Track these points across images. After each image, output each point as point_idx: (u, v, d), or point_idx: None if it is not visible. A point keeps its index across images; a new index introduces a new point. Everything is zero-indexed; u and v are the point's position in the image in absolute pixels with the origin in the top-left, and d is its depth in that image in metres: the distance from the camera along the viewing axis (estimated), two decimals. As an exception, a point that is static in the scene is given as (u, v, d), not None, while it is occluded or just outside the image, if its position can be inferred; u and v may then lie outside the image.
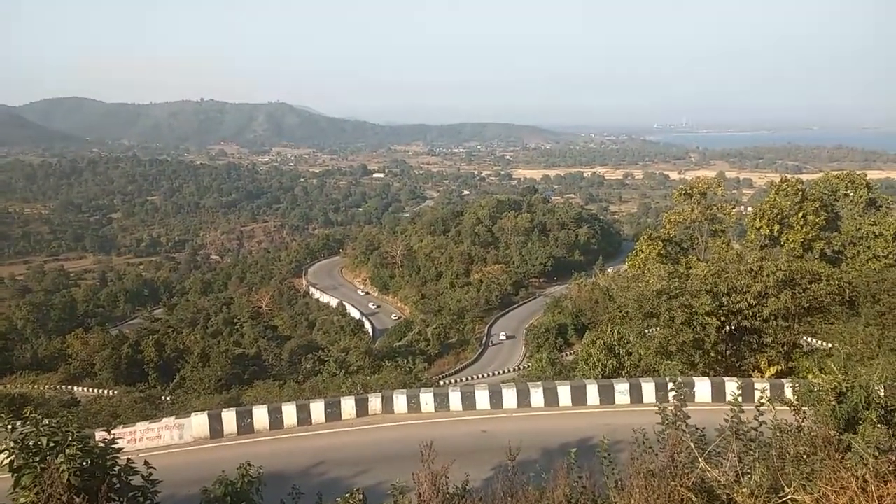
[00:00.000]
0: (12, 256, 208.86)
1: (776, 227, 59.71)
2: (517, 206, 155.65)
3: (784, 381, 23.11)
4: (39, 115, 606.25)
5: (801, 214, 58.43)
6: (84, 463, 9.38)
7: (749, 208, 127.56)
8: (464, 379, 72.08)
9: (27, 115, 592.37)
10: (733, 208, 68.06)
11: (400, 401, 24.27)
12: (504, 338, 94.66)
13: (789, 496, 7.72)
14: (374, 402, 24.35)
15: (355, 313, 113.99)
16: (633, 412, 22.27)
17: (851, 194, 62.63)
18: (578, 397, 24.21)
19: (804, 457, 8.88)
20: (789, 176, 71.99)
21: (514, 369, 75.25)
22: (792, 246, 57.34)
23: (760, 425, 9.27)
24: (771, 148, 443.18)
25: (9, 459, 9.68)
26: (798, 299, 28.57)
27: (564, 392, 24.31)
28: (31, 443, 9.68)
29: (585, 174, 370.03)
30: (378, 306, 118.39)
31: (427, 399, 24.33)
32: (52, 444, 9.53)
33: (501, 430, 21.09)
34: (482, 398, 24.33)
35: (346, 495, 9.96)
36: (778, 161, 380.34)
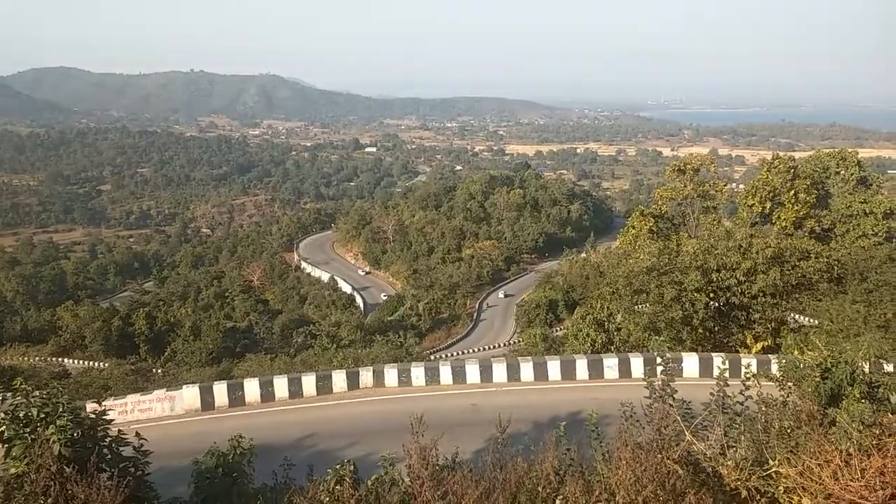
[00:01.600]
0: (1, 228, 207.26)
1: (768, 205, 59.94)
2: (510, 182, 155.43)
3: (770, 356, 23.39)
4: (27, 85, 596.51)
5: (792, 192, 58.63)
6: (75, 434, 9.43)
7: (741, 185, 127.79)
8: (454, 354, 72.49)
9: (14, 84, 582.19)
10: (725, 185, 68.17)
11: (391, 374, 24.44)
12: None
13: (773, 469, 7.83)
14: (366, 376, 24.51)
15: (346, 288, 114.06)
16: (622, 386, 22.53)
17: (843, 172, 62.83)
18: (568, 372, 24.45)
19: (789, 431, 9.01)
20: (781, 153, 72.08)
21: (505, 344, 75.73)
22: (783, 224, 57.62)
23: (746, 400, 9.39)
24: (764, 125, 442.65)
25: (-1, 430, 9.72)
26: (787, 276, 28.80)
27: (554, 366, 24.54)
28: (21, 414, 9.71)
29: (578, 150, 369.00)
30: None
31: (418, 373, 24.51)
32: (42, 416, 9.57)
33: (491, 403, 21.30)
34: (472, 372, 24.52)
35: (337, 466, 10.04)
36: (771, 138, 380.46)
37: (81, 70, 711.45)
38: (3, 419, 9.73)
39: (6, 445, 9.57)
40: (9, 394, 10.10)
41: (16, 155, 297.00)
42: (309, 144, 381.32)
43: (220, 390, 23.61)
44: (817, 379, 12.11)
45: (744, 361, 22.90)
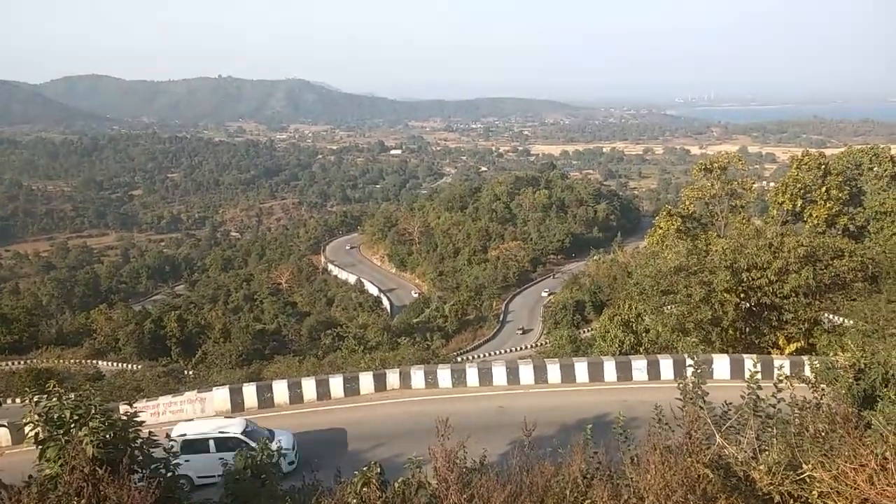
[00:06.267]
0: (36, 233, 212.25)
1: (799, 203, 58.86)
2: (535, 183, 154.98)
3: (804, 358, 22.94)
4: (59, 93, 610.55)
5: (824, 189, 57.51)
6: (107, 436, 9.57)
7: (771, 183, 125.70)
8: (481, 355, 72.36)
9: (47, 92, 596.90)
10: (754, 183, 67.05)
11: (417, 376, 24.46)
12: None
13: (807, 473, 7.66)
14: (392, 378, 24.57)
15: (373, 290, 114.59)
16: (651, 388, 22.28)
17: (875, 168, 61.45)
18: (595, 373, 24.24)
19: (823, 434, 8.81)
20: (812, 150, 70.68)
21: (532, 346, 75.40)
22: (815, 222, 56.52)
23: (779, 402, 9.20)
24: (795, 122, 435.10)
25: (34, 432, 9.92)
26: (820, 275, 28.16)
27: (581, 368, 24.35)
28: (55, 416, 9.89)
29: (605, 149, 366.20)
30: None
31: (444, 375, 24.50)
32: (75, 418, 9.74)
33: (518, 405, 21.20)
34: (499, 374, 24.44)
35: (364, 468, 10.07)
36: (802, 135, 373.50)
37: (112, 77, 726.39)
38: (37, 421, 9.94)
39: (40, 447, 9.77)
40: (43, 396, 10.29)
41: (50, 161, 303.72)
42: (335, 148, 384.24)
43: (250, 392, 23.86)
44: (850, 380, 11.84)
45: (776, 363, 22.49)
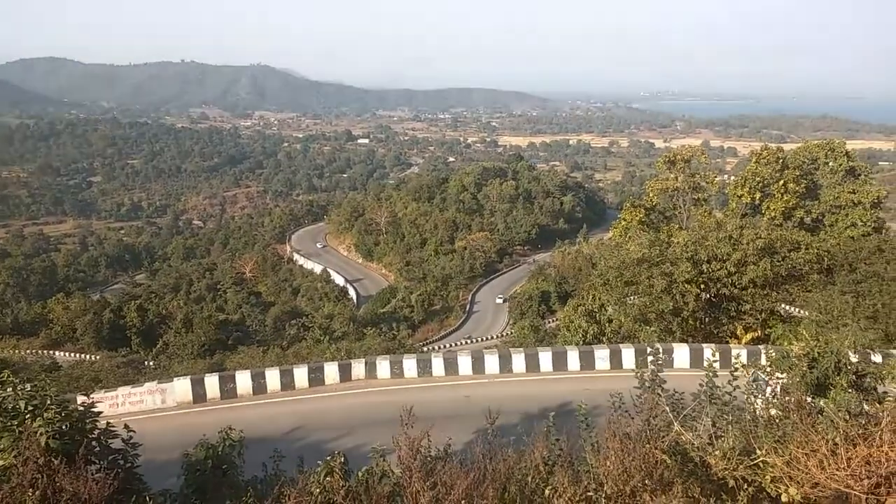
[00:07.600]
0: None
1: (757, 196, 60.14)
2: (502, 174, 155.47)
3: (760, 347, 23.55)
4: (15, 76, 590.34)
5: (781, 183, 58.81)
6: (63, 426, 9.38)
7: (732, 177, 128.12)
8: (447, 345, 72.63)
9: (2, 75, 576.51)
10: (716, 177, 68.32)
11: (383, 367, 24.44)
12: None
13: (761, 458, 7.88)
14: (358, 368, 24.50)
15: (339, 280, 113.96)
16: (613, 377, 22.59)
17: (831, 163, 62.99)
18: (559, 363, 24.52)
19: (777, 421, 9.07)
20: (771, 145, 72.24)
21: (498, 336, 75.95)
22: (773, 214, 57.84)
23: (734, 390, 9.44)
24: (756, 117, 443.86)
25: (-14, 422, 9.67)
26: (777, 267, 28.89)
27: (546, 358, 24.61)
28: (9, 406, 9.66)
29: (571, 142, 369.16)
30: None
31: (410, 365, 24.51)
32: (30, 408, 9.52)
33: (483, 395, 21.33)
34: (465, 364, 24.56)
35: (328, 458, 10.04)
36: (763, 130, 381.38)
37: (71, 60, 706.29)
38: (-10, 411, 9.69)
39: (-6, 438, 9.53)
40: (-3, 386, 10.04)
41: (5, 146, 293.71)
42: (301, 136, 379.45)
43: (212, 382, 23.54)
44: (804, 368, 12.19)
45: (734, 352, 23.02)
